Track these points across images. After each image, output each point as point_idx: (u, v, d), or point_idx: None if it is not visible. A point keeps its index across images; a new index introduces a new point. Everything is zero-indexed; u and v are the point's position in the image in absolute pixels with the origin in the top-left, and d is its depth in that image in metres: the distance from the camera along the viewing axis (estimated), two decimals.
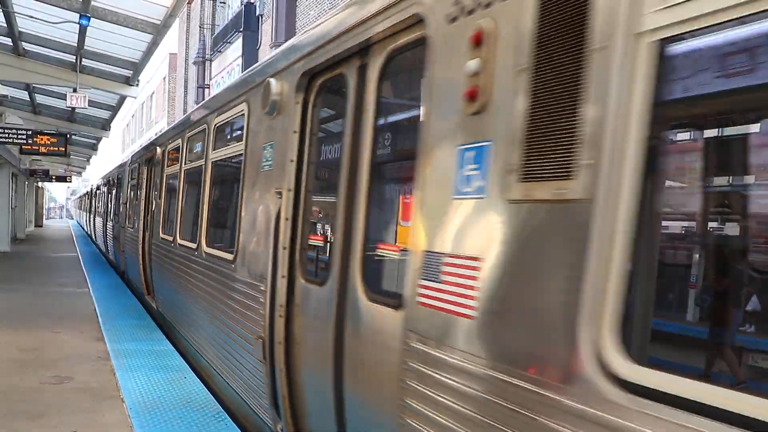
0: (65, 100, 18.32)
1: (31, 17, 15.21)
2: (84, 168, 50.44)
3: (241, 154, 5.96)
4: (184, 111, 44.31)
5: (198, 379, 7.54)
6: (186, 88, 45.70)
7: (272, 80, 5.10)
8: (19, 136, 19.55)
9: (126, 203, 15.55)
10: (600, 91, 2.19)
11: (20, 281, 16.73)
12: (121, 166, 18.85)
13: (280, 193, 4.87)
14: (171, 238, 8.77)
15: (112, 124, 28.06)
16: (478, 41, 2.77)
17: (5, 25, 15.93)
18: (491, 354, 2.56)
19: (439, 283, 2.90)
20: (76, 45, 16.79)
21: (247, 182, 5.67)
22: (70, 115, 26.05)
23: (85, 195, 50.33)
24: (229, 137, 6.84)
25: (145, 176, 12.24)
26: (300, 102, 4.72)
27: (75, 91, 17.88)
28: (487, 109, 2.73)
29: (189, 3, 43.29)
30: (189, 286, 7.37)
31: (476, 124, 2.77)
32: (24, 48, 17.65)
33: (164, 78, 56.39)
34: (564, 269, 2.30)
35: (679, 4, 1.90)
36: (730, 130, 2.55)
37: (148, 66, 19.62)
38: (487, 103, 2.72)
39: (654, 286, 2.26)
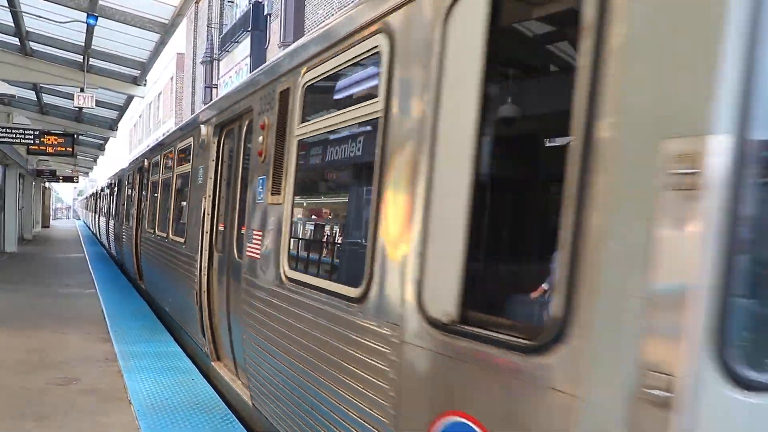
0: (72, 100, 18.34)
1: (39, 17, 15.27)
2: (91, 168, 50.59)
3: (188, 172, 8.85)
4: (192, 111, 44.43)
5: (206, 381, 7.63)
6: (194, 87, 45.78)
7: (202, 126, 8.23)
8: (27, 137, 19.60)
9: (123, 204, 17.58)
10: (287, 156, 4.99)
11: (27, 282, 16.79)
12: (121, 171, 20.26)
13: (205, 198, 7.78)
14: (152, 231, 11.44)
15: (120, 125, 28.14)
16: (263, 127, 5.58)
17: (12, 24, 15.99)
18: (262, 275, 5.31)
19: (252, 243, 5.66)
20: (83, 44, 16.84)
21: (192, 190, 8.57)
22: (78, 115, 26.13)
23: (91, 196, 50.52)
24: (184, 159, 9.42)
25: (137, 182, 15.01)
26: (215, 142, 7.74)
27: (82, 90, 17.92)
28: (265, 160, 5.51)
29: (197, 2, 43.39)
30: (162, 265, 10.05)
31: (262, 168, 5.58)
32: (31, 48, 17.73)
33: (172, 78, 56.50)
34: (279, 234, 5.03)
35: (300, 127, 4.85)
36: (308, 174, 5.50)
37: (156, 66, 19.68)
38: (265, 158, 5.51)
39: (289, 237, 5.00)
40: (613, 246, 2.06)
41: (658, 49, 2.01)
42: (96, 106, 18.43)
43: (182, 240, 8.87)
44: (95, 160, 43.76)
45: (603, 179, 2.11)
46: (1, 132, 18.83)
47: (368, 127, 3.79)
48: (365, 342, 3.45)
